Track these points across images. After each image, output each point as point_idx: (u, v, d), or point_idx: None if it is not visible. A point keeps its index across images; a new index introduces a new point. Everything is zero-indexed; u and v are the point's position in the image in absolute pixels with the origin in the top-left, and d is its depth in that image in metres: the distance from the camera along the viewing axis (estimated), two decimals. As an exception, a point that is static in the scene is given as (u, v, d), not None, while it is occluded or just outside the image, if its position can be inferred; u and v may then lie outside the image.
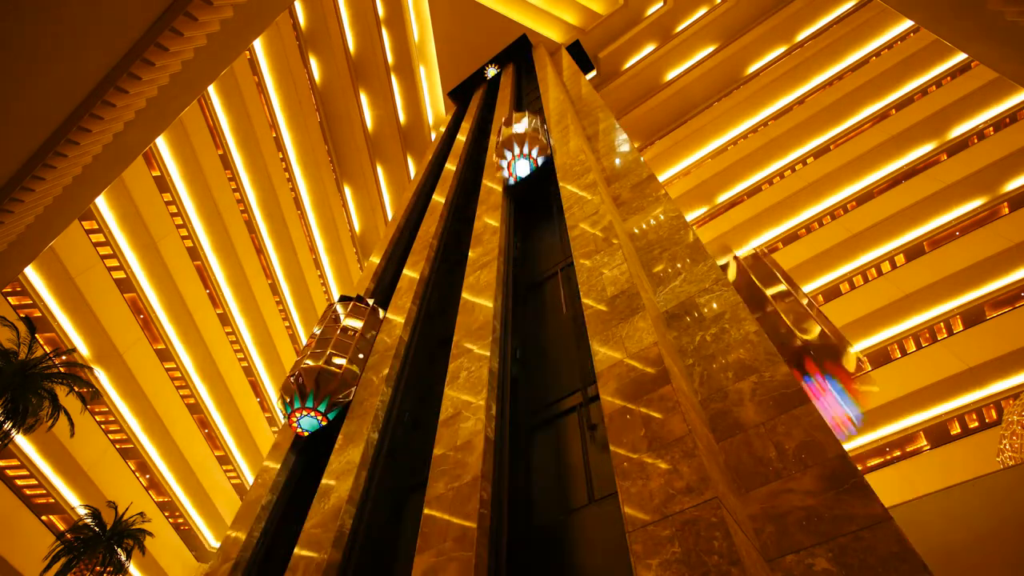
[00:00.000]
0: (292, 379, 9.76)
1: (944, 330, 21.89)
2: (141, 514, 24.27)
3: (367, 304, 11.84)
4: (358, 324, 11.16)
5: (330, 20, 31.50)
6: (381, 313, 11.95)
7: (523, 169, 12.50)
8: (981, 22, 8.99)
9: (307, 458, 10.28)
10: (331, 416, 9.71)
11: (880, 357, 22.69)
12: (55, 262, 24.70)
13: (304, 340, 40.93)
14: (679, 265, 7.30)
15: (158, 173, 28.92)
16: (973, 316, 21.36)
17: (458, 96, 33.94)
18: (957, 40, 10.51)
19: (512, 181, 12.70)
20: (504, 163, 12.69)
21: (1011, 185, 22.24)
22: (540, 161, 12.47)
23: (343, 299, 11.95)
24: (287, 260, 37.79)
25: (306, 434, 9.84)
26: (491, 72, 33.05)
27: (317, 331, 11.01)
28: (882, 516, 3.55)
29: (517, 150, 12.42)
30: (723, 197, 31.13)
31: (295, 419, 9.58)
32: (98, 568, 22.17)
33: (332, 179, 38.45)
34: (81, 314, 26.34)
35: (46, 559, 21.27)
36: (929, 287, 21.82)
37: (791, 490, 4.05)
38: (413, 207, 20.52)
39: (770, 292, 8.20)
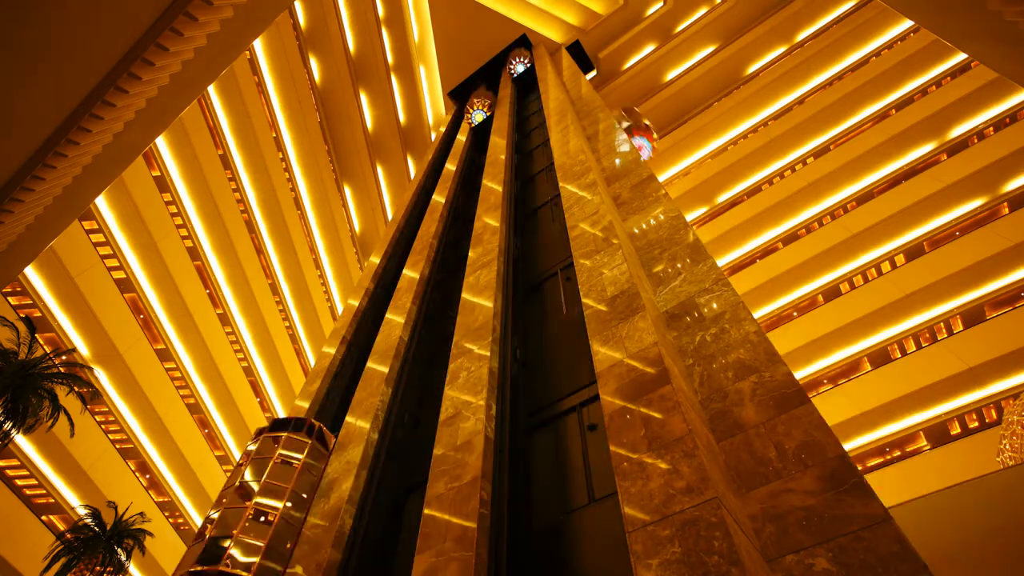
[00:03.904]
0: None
1: (944, 330, 21.87)
2: (141, 514, 24.22)
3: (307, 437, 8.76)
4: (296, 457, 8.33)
5: (330, 20, 31.48)
6: (332, 441, 9.19)
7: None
8: (981, 22, 8.98)
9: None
10: None
11: (880, 357, 22.67)
12: (55, 262, 24.69)
13: (305, 341, 40.91)
14: (679, 265, 7.29)
15: (158, 173, 28.91)
16: (973, 316, 21.34)
17: (458, 96, 33.94)
18: (957, 40, 10.50)
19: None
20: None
21: (1011, 185, 22.21)
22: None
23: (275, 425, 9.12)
24: (287, 260, 37.76)
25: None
26: (478, 116, 28.82)
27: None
28: (882, 516, 3.55)
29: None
30: (723, 197, 31.10)
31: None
32: (98, 568, 22.12)
33: (332, 179, 38.42)
34: (81, 314, 26.33)
35: (46, 559, 21.22)
36: (929, 287, 21.80)
37: (791, 490, 4.05)
38: (413, 207, 20.52)
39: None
